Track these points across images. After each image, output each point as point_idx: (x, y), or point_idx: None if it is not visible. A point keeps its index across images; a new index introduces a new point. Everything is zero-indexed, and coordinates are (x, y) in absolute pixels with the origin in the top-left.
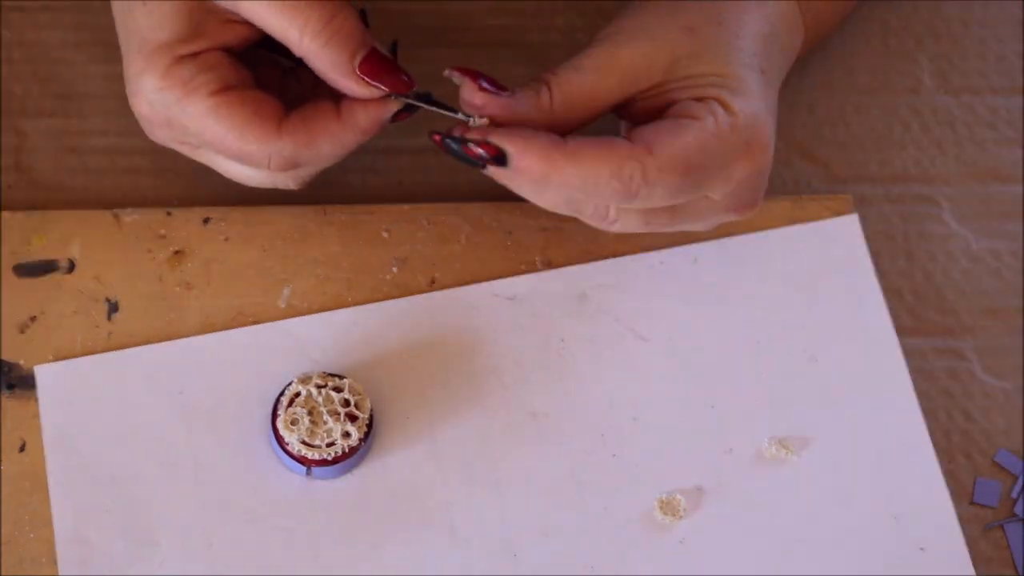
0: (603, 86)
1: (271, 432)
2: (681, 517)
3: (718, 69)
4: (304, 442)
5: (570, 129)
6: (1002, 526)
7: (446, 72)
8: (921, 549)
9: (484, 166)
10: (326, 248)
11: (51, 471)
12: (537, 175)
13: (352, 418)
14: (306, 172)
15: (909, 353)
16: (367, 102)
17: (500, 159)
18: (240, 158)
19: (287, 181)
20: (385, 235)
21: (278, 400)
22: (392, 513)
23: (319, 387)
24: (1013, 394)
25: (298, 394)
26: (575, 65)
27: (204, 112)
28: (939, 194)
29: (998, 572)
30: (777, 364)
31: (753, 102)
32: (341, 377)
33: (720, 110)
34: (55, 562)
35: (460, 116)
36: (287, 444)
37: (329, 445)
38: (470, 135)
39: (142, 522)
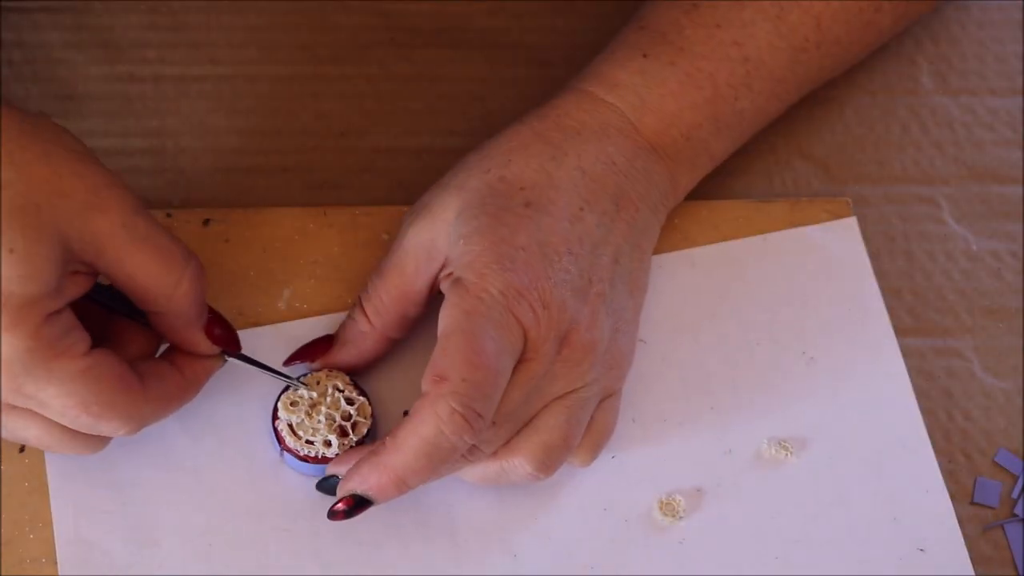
0: (406, 278)
1: (274, 402)
2: (681, 517)
3: (467, 229)
4: (290, 425)
5: (413, 323)
6: (1002, 526)
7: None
8: (921, 550)
9: (358, 510)
10: (326, 250)
11: (51, 471)
12: (393, 487)
13: (343, 434)
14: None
15: (909, 353)
16: (204, 359)
17: (362, 502)
18: (92, 423)
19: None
20: (385, 237)
21: (298, 378)
22: (392, 513)
23: (337, 389)
24: (1013, 394)
25: (317, 382)
26: (378, 270)
27: (74, 376)
28: (938, 195)
29: (998, 572)
30: (776, 365)
31: (494, 261)
32: (363, 393)
33: (460, 295)
34: (55, 562)
35: (281, 374)
36: (277, 419)
37: (308, 442)
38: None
39: (142, 522)
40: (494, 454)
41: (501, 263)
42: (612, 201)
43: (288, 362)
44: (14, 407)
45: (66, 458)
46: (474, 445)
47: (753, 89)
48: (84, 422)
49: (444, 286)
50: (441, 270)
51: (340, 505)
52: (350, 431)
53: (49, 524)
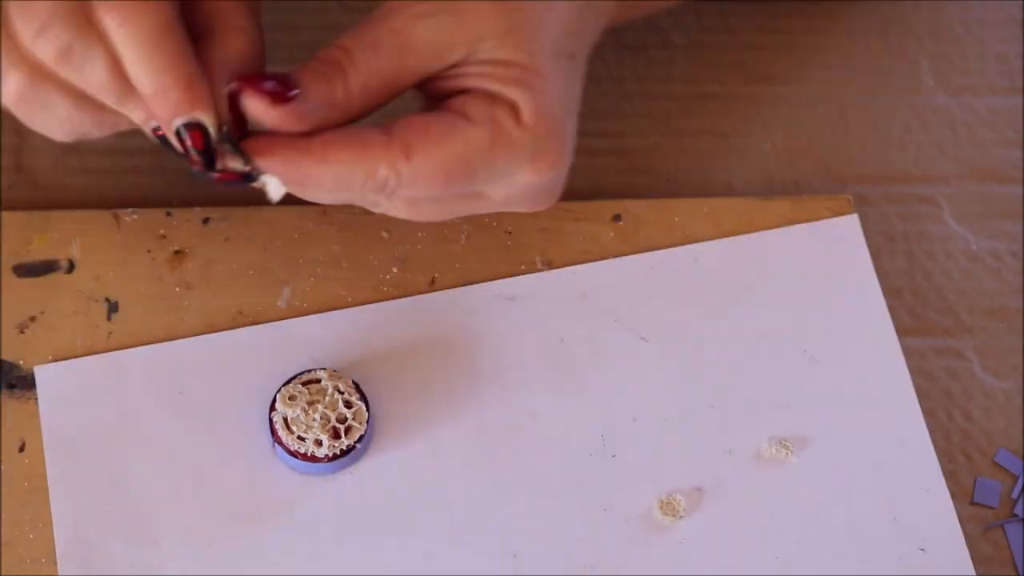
0: (404, 67)
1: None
2: (681, 517)
3: (521, 58)
4: (285, 419)
5: (366, 115)
6: (1002, 526)
7: (227, 88)
8: (921, 549)
9: (243, 184)
10: (326, 248)
11: (51, 471)
12: (290, 180)
13: (336, 435)
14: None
15: (909, 353)
16: None
17: (249, 177)
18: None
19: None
20: (385, 235)
21: (300, 374)
22: (392, 513)
23: (338, 390)
24: (1013, 394)
25: (318, 380)
26: (371, 41)
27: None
28: (939, 194)
29: (998, 572)
30: (777, 364)
31: (551, 104)
32: (363, 397)
33: (507, 119)
34: (55, 562)
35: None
36: (273, 410)
37: (300, 438)
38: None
39: (142, 522)
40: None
41: (555, 121)
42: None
43: (241, 86)
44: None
45: (66, 458)
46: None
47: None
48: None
49: (476, 82)
50: (433, 74)
51: (229, 178)
52: (343, 434)
53: (49, 524)
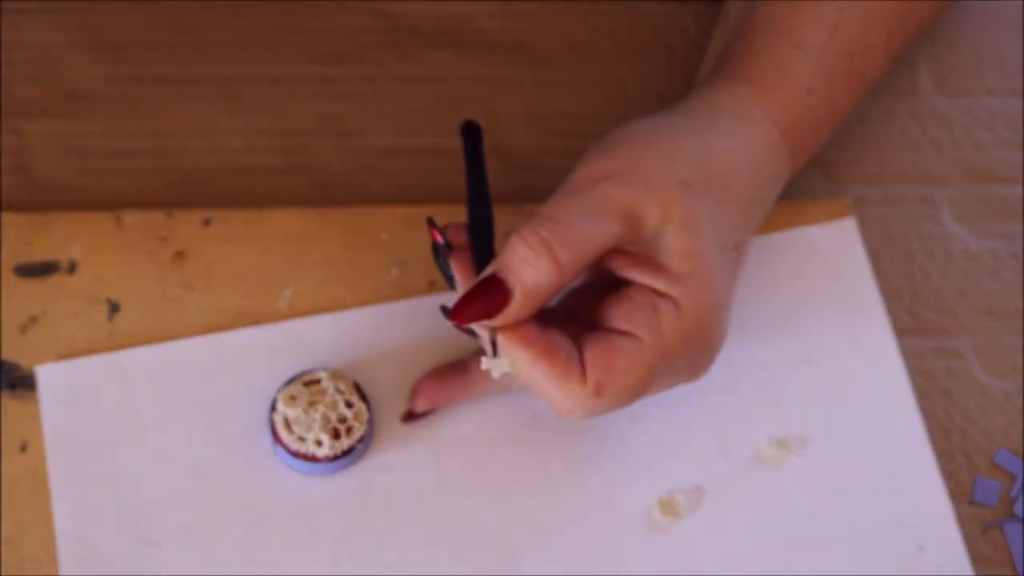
0: (609, 235)
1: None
2: (681, 517)
3: (697, 249)
4: (286, 418)
5: (575, 278)
6: (1001, 526)
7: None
8: (920, 549)
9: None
10: (326, 250)
11: (51, 471)
12: (509, 350)
13: (336, 436)
14: None
15: (908, 353)
16: None
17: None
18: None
19: None
20: (385, 237)
21: (300, 374)
22: (392, 513)
23: (339, 391)
24: (1013, 394)
25: (319, 380)
26: (579, 210)
27: None
28: (937, 195)
29: (997, 572)
30: (776, 365)
31: (710, 296)
32: (363, 398)
33: (670, 316)
34: (55, 562)
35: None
36: (274, 411)
37: (300, 438)
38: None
39: (142, 522)
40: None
41: (716, 311)
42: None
43: (456, 319)
44: None
45: (67, 458)
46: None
47: (855, 102)
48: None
49: (641, 277)
50: (630, 245)
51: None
52: (343, 434)
53: (49, 524)
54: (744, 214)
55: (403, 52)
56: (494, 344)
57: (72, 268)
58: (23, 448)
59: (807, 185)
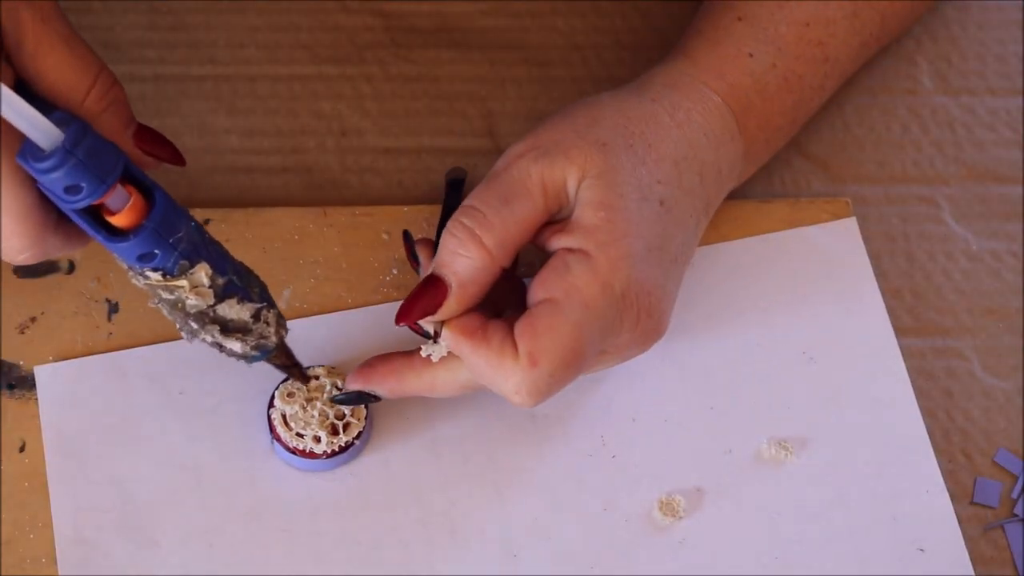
0: (536, 211)
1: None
2: (681, 517)
3: (607, 198)
4: (284, 415)
5: (507, 265)
6: (1002, 526)
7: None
8: (920, 549)
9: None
10: (326, 250)
11: (51, 471)
12: (451, 342)
13: (334, 432)
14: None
15: (909, 353)
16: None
17: (431, 336)
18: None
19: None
20: (385, 237)
21: (299, 369)
22: (392, 513)
23: (337, 388)
24: (1013, 394)
25: (316, 377)
26: (498, 196)
27: None
28: (938, 195)
29: (998, 572)
30: (776, 365)
31: (623, 243)
32: None
33: (580, 268)
34: (55, 562)
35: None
36: (272, 407)
37: (298, 435)
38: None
39: (142, 522)
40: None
41: (632, 259)
42: (709, 208)
43: (401, 321)
44: None
45: (66, 458)
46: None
47: (826, 88)
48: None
49: (557, 242)
50: (555, 213)
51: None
52: (341, 431)
53: (49, 524)
54: (673, 170)
55: (403, 52)
56: (436, 333)
57: (71, 268)
58: (22, 448)
59: (807, 185)
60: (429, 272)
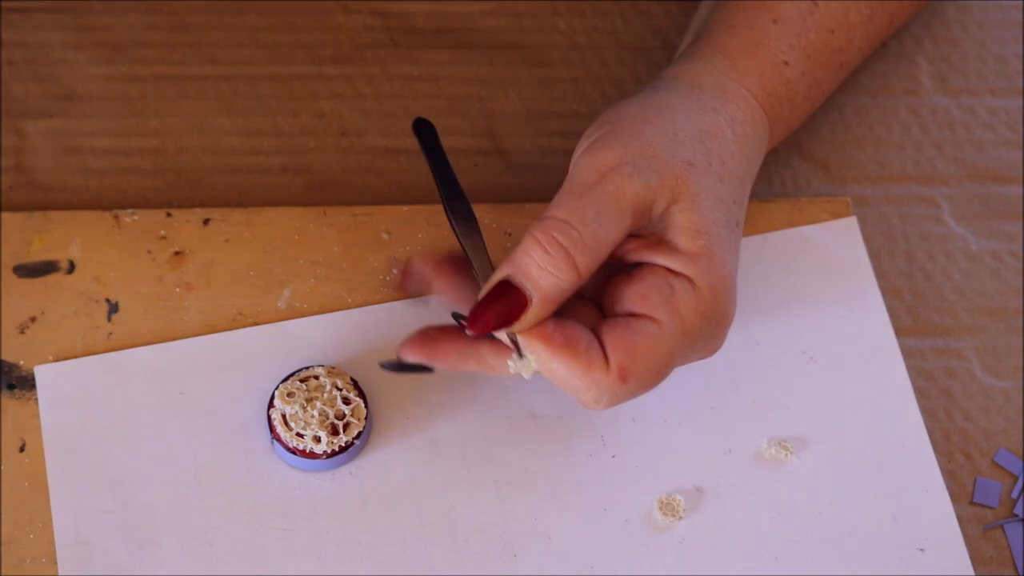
0: (624, 227)
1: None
2: (681, 517)
3: (706, 225)
4: (284, 415)
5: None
6: (1002, 526)
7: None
8: (920, 549)
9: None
10: (326, 249)
11: (51, 471)
12: (528, 346)
13: (334, 432)
14: None
15: (909, 353)
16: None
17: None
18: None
19: None
20: (385, 236)
21: (299, 371)
22: (392, 513)
23: (336, 387)
24: (1013, 394)
25: (316, 377)
26: (594, 213)
27: None
28: (938, 195)
29: (998, 572)
30: (776, 365)
31: (722, 272)
32: (361, 395)
33: (687, 295)
34: (55, 562)
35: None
36: (272, 407)
37: (298, 435)
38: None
39: (142, 522)
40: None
41: (729, 288)
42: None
43: (476, 330)
44: None
45: (66, 458)
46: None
47: (834, 89)
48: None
49: (650, 258)
50: (641, 230)
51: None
52: (341, 431)
53: (49, 524)
54: (741, 189)
55: (403, 52)
56: (516, 344)
57: (71, 268)
58: (22, 448)
59: (807, 185)
60: (504, 277)
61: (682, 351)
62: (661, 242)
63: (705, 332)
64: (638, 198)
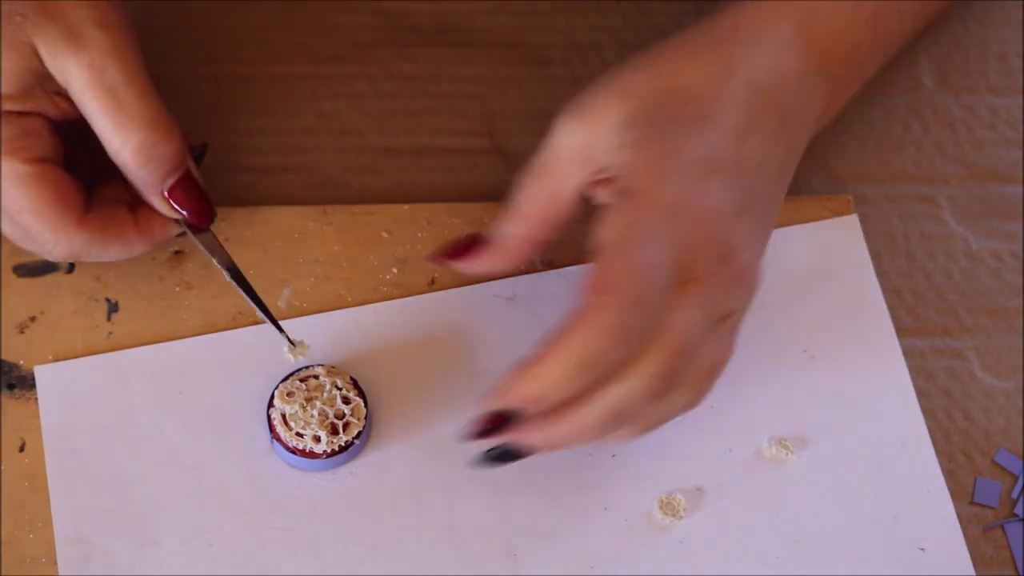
0: (556, 179)
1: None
2: (681, 517)
3: (639, 136)
4: (283, 415)
5: (563, 227)
6: (1002, 526)
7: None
8: (921, 549)
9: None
10: (326, 248)
11: (51, 471)
12: (541, 398)
13: (334, 431)
14: (79, 258)
15: (909, 353)
16: (163, 217)
17: (507, 453)
18: (26, 233)
19: (55, 256)
20: (385, 235)
21: (298, 371)
22: (392, 513)
23: (336, 386)
24: (1013, 394)
25: (316, 376)
26: (528, 171)
27: (13, 177)
28: (939, 194)
29: (998, 572)
30: (777, 364)
31: (670, 171)
32: (361, 394)
33: (630, 204)
34: (55, 562)
35: (267, 312)
36: (272, 407)
37: (298, 435)
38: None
39: (142, 522)
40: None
41: (670, 175)
42: (778, 119)
43: (435, 259)
44: None
45: (66, 458)
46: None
47: (904, 8)
48: (12, 231)
49: (603, 194)
50: (595, 175)
51: (480, 429)
52: (341, 430)
53: (49, 524)
54: (720, 86)
55: (403, 51)
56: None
57: (71, 267)
58: (22, 448)
59: (808, 184)
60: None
61: (646, 235)
62: (610, 177)
63: (663, 217)
64: (573, 145)
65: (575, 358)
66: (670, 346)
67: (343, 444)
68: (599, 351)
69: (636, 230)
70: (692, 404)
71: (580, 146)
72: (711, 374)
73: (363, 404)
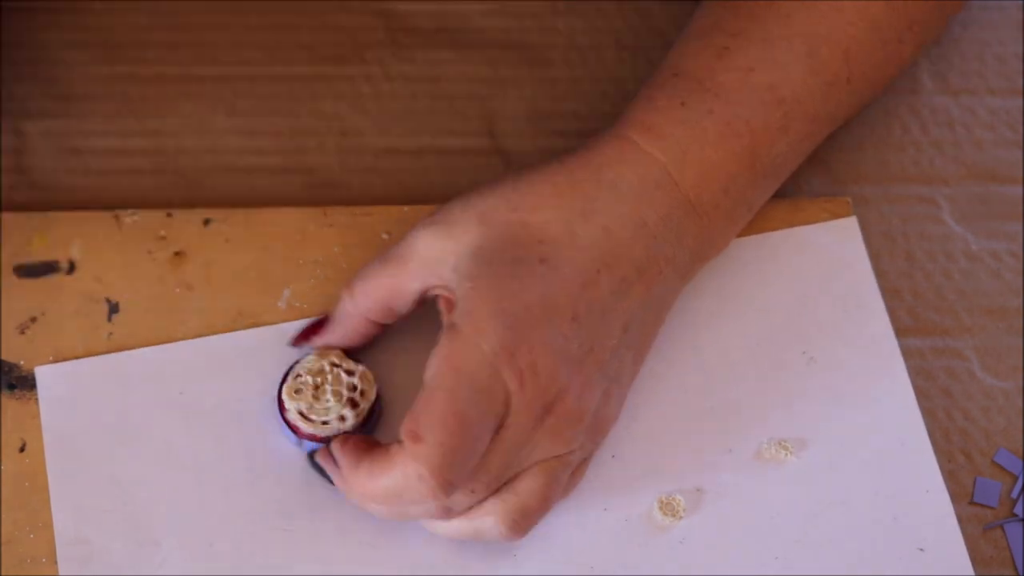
0: (402, 275)
1: (276, 396)
2: (681, 517)
3: (476, 270)
4: (301, 412)
5: (398, 316)
6: (1002, 526)
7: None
8: (920, 549)
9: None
10: (326, 249)
11: (51, 471)
12: (357, 503)
13: (354, 404)
14: None
15: (909, 353)
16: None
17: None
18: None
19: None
20: (385, 236)
21: (292, 367)
22: None
23: (333, 365)
24: (1013, 394)
25: (312, 367)
26: (381, 255)
27: None
28: (938, 195)
29: (998, 572)
30: (776, 365)
31: (497, 313)
32: (357, 362)
33: (453, 346)
34: (55, 562)
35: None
36: (286, 410)
37: (324, 423)
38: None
39: (142, 522)
40: (467, 512)
41: (501, 319)
42: (634, 267)
43: (294, 343)
44: None
45: (66, 458)
46: (446, 506)
47: (790, 132)
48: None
49: (442, 309)
50: (438, 288)
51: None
52: (359, 400)
53: (49, 524)
54: (561, 226)
55: (403, 52)
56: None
57: (71, 268)
58: (22, 448)
59: (807, 185)
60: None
61: (464, 389)
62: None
63: (482, 365)
64: (425, 249)
65: (381, 492)
66: (478, 483)
67: (367, 411)
68: (403, 495)
69: (453, 378)
70: (513, 535)
71: (433, 257)
72: (526, 515)
73: (366, 368)
